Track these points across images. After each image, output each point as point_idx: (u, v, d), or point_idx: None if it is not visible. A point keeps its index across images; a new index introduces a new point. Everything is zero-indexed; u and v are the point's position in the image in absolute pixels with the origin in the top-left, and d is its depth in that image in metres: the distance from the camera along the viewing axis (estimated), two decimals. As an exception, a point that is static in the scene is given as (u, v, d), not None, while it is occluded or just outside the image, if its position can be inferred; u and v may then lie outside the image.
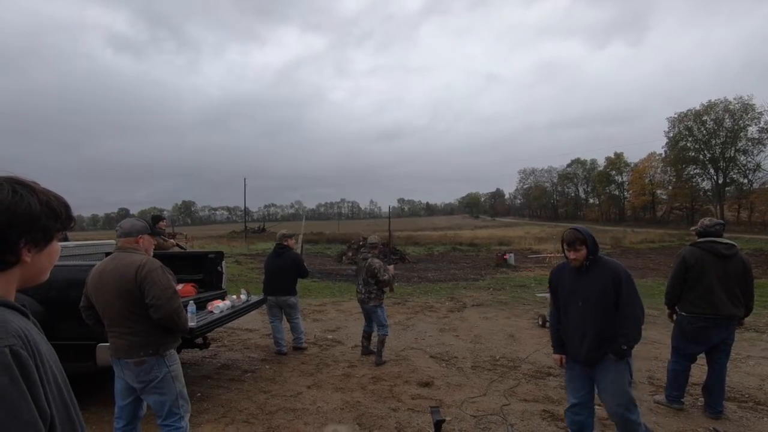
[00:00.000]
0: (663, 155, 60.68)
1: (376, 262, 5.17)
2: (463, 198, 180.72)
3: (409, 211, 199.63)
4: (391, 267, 5.40)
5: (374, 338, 5.34)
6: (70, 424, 0.84)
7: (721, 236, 3.58)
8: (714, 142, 52.40)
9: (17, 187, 0.84)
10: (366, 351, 5.39)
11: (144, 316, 2.42)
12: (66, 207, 0.92)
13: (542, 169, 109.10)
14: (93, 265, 2.73)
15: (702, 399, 3.74)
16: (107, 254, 5.17)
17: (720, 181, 53.05)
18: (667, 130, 56.86)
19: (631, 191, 73.72)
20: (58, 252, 0.96)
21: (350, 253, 20.71)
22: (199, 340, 4.56)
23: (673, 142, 55.68)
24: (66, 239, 5.55)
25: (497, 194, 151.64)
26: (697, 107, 53.13)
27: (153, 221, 6.15)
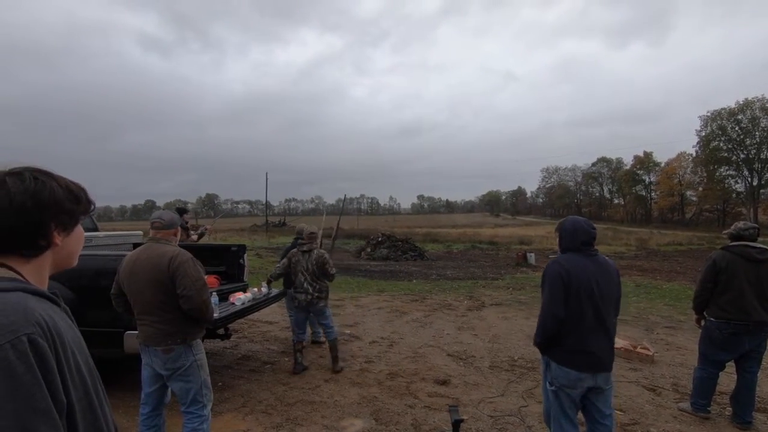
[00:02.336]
0: (694, 155, 58.62)
1: (324, 253, 4.65)
2: (483, 196, 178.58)
3: (429, 207, 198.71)
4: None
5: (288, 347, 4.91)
6: (92, 412, 0.85)
7: (755, 240, 3.45)
8: (749, 142, 50.29)
9: (37, 174, 0.88)
10: (300, 368, 4.59)
11: (174, 306, 2.49)
12: (84, 191, 0.96)
13: (566, 168, 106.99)
14: (122, 255, 2.82)
15: (729, 408, 3.61)
16: (136, 245, 5.32)
17: (754, 183, 50.93)
18: (698, 129, 54.87)
19: (658, 192, 71.51)
20: (83, 235, 1.00)
21: (369, 249, 20.79)
22: (221, 331, 4.66)
23: (705, 142, 53.67)
24: (96, 229, 5.76)
25: (518, 192, 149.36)
26: (732, 105, 51.03)
27: (178, 213, 6.28)
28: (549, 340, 2.47)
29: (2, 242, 0.85)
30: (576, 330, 2.38)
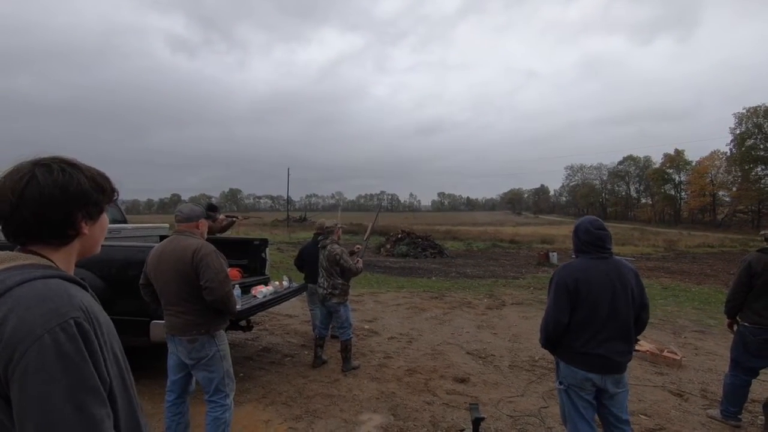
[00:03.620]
0: (728, 153, 56.31)
1: (337, 248, 4.47)
2: (505, 194, 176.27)
3: (449, 205, 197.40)
4: (360, 260, 4.67)
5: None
6: (126, 394, 0.89)
7: (793, 243, 3.29)
8: (788, 140, 48.01)
9: (64, 165, 0.90)
10: (320, 362, 4.66)
11: (198, 297, 2.54)
12: (108, 180, 0.98)
13: (591, 166, 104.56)
14: (150, 247, 2.90)
15: (762, 417, 3.47)
16: (162, 237, 5.45)
17: (792, 183, 48.61)
18: (733, 126, 52.68)
19: (689, 191, 69.04)
20: (108, 223, 1.03)
21: (389, 246, 20.80)
22: (243, 323, 4.74)
23: (739, 140, 51.49)
24: (125, 222, 5.94)
25: (541, 191, 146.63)
26: (766, 103, 48.76)
27: (208, 209, 6.32)
28: (553, 343, 2.47)
29: (33, 232, 0.88)
30: (585, 333, 2.34)
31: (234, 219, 6.45)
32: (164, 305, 2.64)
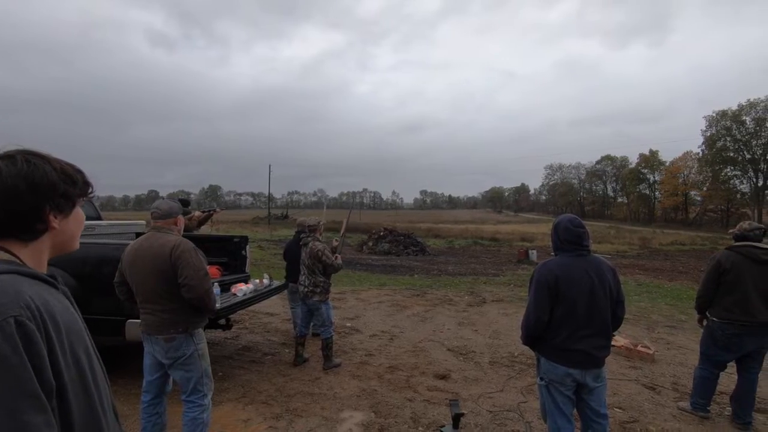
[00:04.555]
0: (699, 155, 58.27)
1: (318, 244, 4.46)
2: (486, 192, 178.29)
3: (432, 203, 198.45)
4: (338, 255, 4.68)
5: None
6: (85, 393, 0.84)
7: (760, 241, 3.42)
8: (755, 143, 49.92)
9: (29, 157, 0.86)
10: (301, 360, 4.62)
11: (176, 295, 2.48)
12: (81, 173, 0.94)
13: (569, 165, 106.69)
14: (125, 244, 2.82)
15: (729, 408, 3.61)
16: (138, 234, 5.30)
17: (759, 184, 50.63)
18: (704, 129, 54.53)
19: (662, 191, 71.19)
20: (83, 218, 0.98)
21: (371, 243, 20.81)
22: (222, 321, 4.67)
23: (710, 142, 53.35)
24: (99, 218, 5.77)
25: (521, 189, 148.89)
26: (734, 107, 50.74)
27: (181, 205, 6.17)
28: (534, 340, 2.50)
29: (0, 226, 0.84)
30: (565, 330, 2.38)
31: (211, 212, 6.33)
32: (140, 303, 2.57)
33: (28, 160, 0.85)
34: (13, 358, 0.71)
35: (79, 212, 0.95)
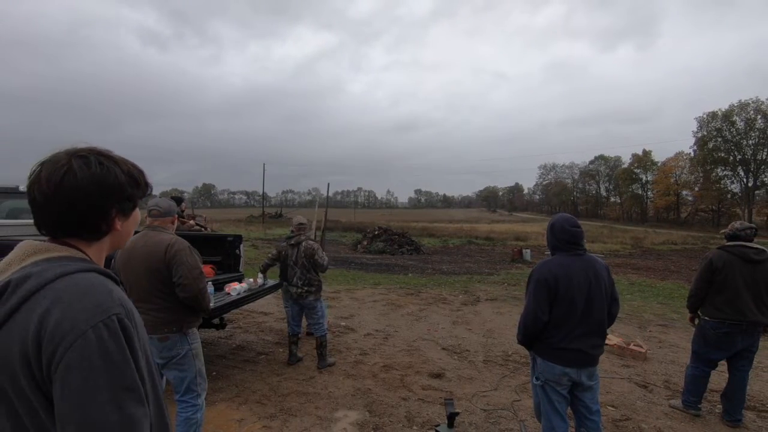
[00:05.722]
0: (691, 155, 58.86)
1: (312, 243, 4.51)
2: (480, 191, 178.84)
3: (426, 202, 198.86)
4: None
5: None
6: (155, 394, 0.87)
7: (751, 241, 3.46)
8: (745, 143, 50.51)
9: (102, 159, 0.87)
10: (295, 359, 4.62)
11: (170, 294, 2.47)
12: (143, 174, 0.95)
13: (563, 165, 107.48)
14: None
15: (720, 406, 3.65)
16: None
17: (750, 184, 51.23)
18: (695, 130, 55.09)
19: (655, 191, 71.82)
20: (140, 217, 1.00)
21: (365, 242, 20.79)
22: (217, 321, 4.65)
23: (701, 143, 53.90)
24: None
25: (516, 189, 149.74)
26: (723, 108, 51.34)
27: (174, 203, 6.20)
28: (531, 339, 2.50)
29: (66, 225, 0.85)
30: (562, 329, 2.39)
31: (204, 228, 6.45)
32: (134, 302, 2.54)
33: (101, 163, 0.86)
34: (118, 354, 0.75)
35: (137, 213, 0.97)
